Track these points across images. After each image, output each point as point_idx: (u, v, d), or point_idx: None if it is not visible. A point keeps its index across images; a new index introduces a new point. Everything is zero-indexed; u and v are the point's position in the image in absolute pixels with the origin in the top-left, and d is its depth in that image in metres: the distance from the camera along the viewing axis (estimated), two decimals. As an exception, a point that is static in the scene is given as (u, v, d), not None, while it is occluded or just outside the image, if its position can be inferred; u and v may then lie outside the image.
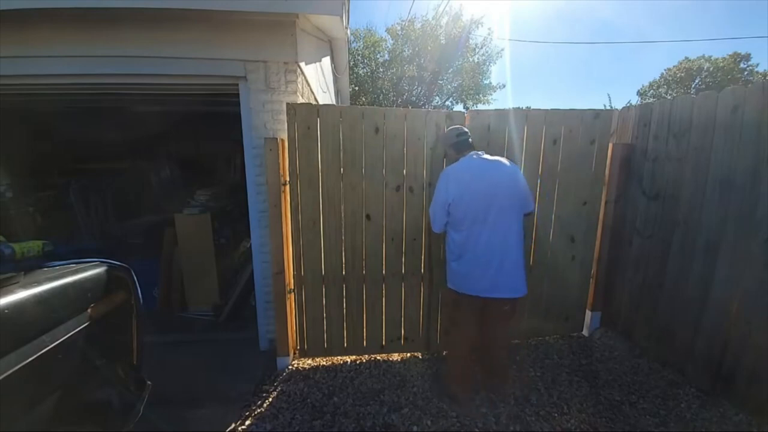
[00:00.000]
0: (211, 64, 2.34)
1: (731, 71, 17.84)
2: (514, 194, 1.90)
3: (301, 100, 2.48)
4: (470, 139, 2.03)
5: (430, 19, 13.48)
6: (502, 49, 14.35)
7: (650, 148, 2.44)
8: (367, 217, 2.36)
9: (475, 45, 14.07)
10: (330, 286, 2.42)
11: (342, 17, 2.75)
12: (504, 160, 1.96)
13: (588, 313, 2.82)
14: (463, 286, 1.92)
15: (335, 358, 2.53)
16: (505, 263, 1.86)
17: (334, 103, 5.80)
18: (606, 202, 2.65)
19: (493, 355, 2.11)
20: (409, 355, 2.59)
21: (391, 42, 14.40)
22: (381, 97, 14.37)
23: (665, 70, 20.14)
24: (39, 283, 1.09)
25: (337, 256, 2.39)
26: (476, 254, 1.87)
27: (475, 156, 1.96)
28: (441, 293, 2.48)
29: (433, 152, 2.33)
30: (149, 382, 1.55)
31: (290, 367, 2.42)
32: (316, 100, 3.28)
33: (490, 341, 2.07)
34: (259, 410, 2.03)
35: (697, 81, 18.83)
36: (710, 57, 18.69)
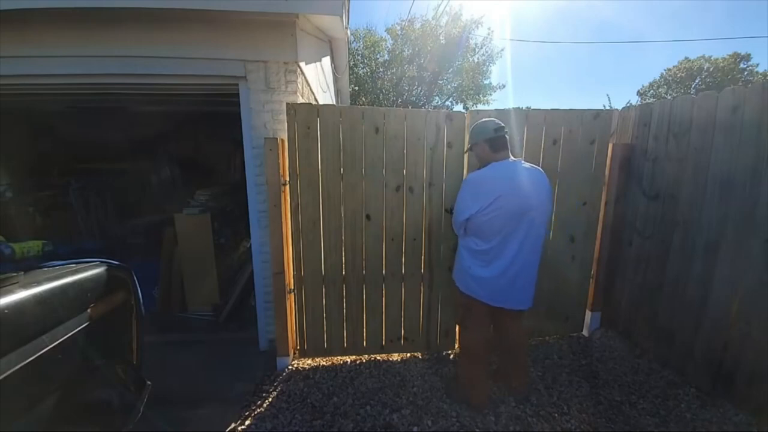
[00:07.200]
0: (211, 64, 2.34)
1: (731, 71, 17.84)
2: (545, 212, 1.83)
3: (301, 100, 2.48)
4: (507, 136, 1.84)
5: (430, 19, 13.48)
6: (503, 49, 14.37)
7: (650, 148, 2.44)
8: (367, 217, 2.36)
9: (475, 45, 14.06)
10: (330, 286, 2.42)
11: (342, 17, 2.75)
12: (542, 172, 1.82)
13: (588, 313, 2.82)
14: (482, 295, 1.86)
15: (335, 358, 2.53)
16: (523, 280, 1.84)
17: (334, 103, 5.80)
18: (606, 202, 2.65)
19: (512, 353, 2.10)
20: (409, 355, 2.59)
21: (391, 42, 14.39)
22: (381, 97, 14.36)
23: (665, 70, 20.17)
24: (39, 283, 1.09)
25: (337, 256, 2.39)
26: (500, 270, 1.79)
27: (511, 162, 1.78)
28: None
29: (433, 152, 2.33)
30: (149, 382, 1.55)
31: (290, 367, 2.42)
32: (316, 100, 3.28)
33: (506, 340, 2.06)
34: (258, 410, 2.03)
35: (697, 81, 18.83)
36: (710, 57, 18.69)
